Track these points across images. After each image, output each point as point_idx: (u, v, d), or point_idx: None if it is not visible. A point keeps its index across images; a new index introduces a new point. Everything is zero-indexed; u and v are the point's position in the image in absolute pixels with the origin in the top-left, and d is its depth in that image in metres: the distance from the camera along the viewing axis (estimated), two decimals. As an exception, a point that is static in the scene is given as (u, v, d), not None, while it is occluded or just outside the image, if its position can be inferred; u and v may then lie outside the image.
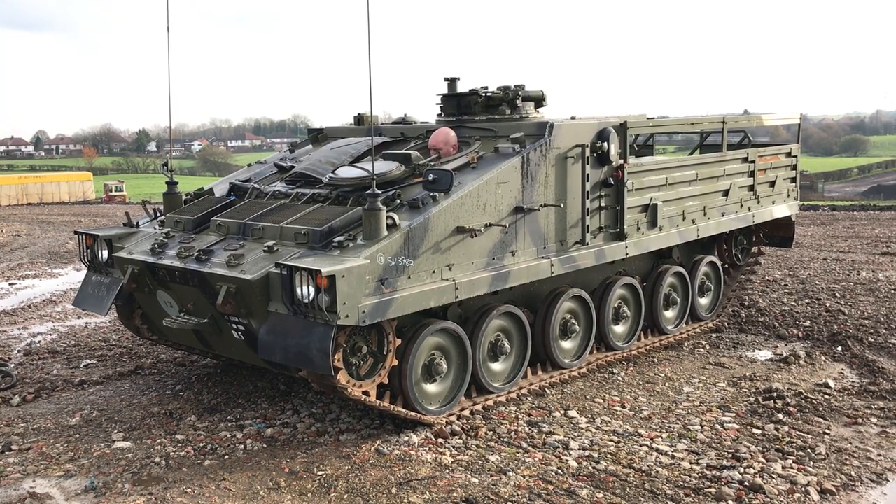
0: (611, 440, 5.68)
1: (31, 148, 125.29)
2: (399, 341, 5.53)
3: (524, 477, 5.07)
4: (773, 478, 5.01)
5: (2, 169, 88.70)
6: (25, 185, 46.76)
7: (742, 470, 5.11)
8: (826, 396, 6.51)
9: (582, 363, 7.07)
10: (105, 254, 6.62)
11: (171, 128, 7.73)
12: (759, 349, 8.08)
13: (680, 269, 8.13)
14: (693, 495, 4.80)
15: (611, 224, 6.89)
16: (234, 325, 5.71)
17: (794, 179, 9.45)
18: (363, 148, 6.89)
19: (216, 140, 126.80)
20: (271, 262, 5.34)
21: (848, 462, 5.27)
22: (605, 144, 6.64)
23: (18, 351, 8.38)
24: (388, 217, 5.31)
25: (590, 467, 5.21)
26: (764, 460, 5.28)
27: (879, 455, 5.40)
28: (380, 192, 5.40)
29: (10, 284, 12.59)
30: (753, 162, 8.61)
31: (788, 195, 9.36)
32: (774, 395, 6.49)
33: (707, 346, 8.17)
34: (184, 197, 6.94)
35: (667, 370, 7.39)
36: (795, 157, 9.39)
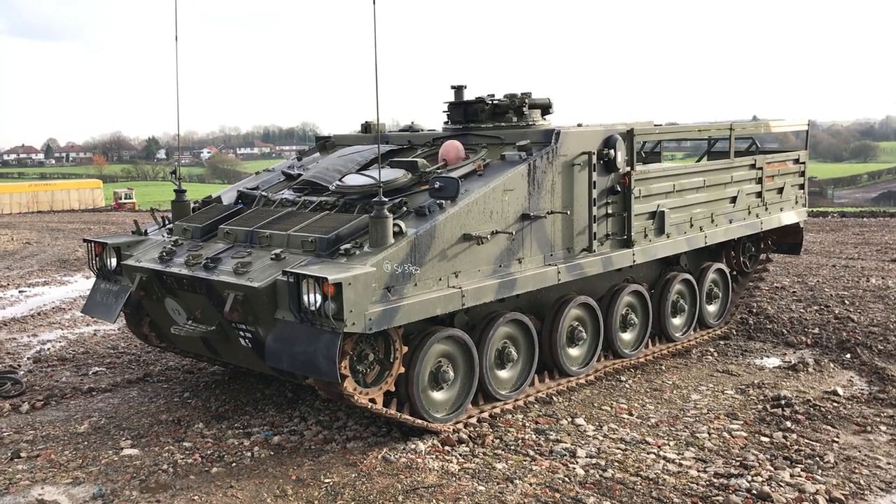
0: (618, 448, 5.67)
1: (41, 156, 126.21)
2: (406, 349, 5.54)
3: (531, 485, 5.06)
4: (781, 486, 4.99)
5: (12, 177, 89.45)
6: (36, 192, 47.13)
7: (750, 478, 5.09)
8: (835, 404, 6.48)
9: (589, 370, 7.06)
10: (114, 261, 6.65)
11: (178, 135, 7.78)
12: (768, 356, 8.04)
13: (688, 276, 8.11)
14: (700, 503, 4.78)
15: (618, 231, 6.88)
16: (241, 333, 5.73)
17: (802, 186, 9.43)
18: (370, 156, 6.91)
19: (225, 147, 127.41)
20: (278, 269, 5.36)
21: (857, 470, 5.25)
22: (612, 151, 6.64)
23: (28, 358, 8.43)
24: (394, 225, 5.32)
25: (597, 475, 5.20)
26: (772, 468, 5.26)
27: (889, 463, 5.37)
28: (386, 199, 5.41)
29: (20, 292, 12.66)
30: (761, 169, 8.59)
31: (797, 202, 9.34)
32: (783, 402, 6.46)
33: (715, 354, 8.14)
34: (192, 205, 6.97)
35: (674, 378, 7.37)
36: (803, 163, 9.37)
